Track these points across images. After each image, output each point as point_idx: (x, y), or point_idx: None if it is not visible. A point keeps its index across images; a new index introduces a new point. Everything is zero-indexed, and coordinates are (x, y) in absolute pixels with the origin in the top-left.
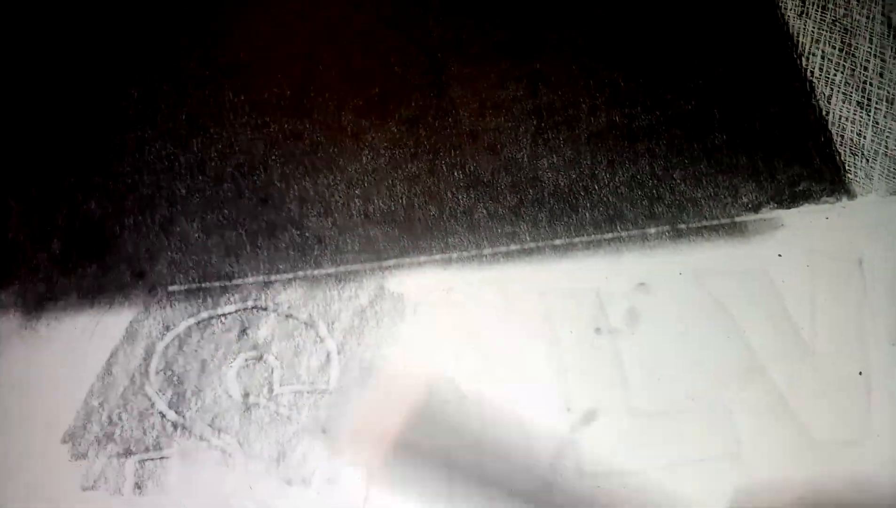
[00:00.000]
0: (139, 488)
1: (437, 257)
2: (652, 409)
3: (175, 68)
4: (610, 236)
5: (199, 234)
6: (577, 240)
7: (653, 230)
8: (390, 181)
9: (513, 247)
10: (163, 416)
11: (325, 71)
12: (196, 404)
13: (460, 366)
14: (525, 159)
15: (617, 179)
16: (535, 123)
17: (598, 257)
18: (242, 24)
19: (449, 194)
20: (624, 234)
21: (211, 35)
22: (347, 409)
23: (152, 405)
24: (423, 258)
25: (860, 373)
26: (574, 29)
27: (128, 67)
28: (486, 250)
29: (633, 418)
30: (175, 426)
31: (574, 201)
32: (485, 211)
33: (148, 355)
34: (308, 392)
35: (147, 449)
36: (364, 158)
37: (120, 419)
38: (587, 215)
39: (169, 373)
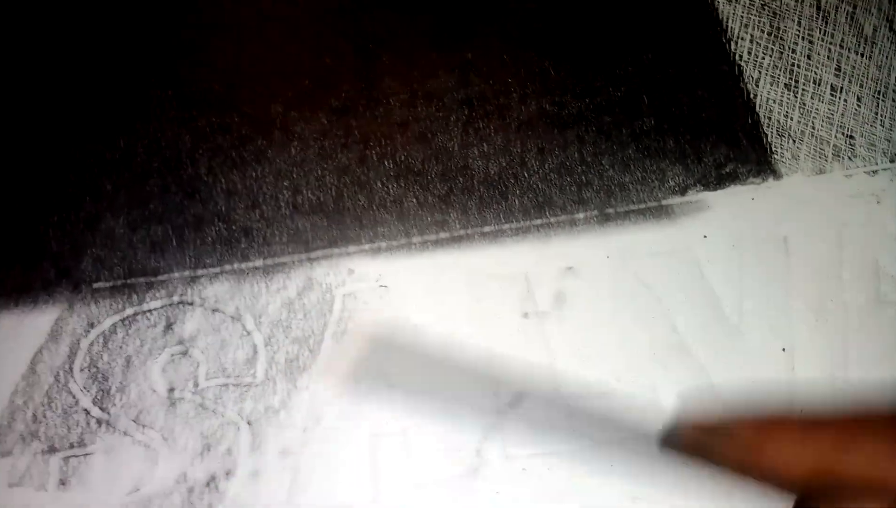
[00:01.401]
0: (63, 484)
1: (367, 246)
2: (578, 391)
3: (100, 64)
4: (539, 222)
5: (125, 230)
6: (506, 227)
7: (581, 215)
8: (319, 172)
9: (442, 235)
10: (87, 413)
11: (253, 64)
12: (121, 400)
13: (389, 354)
14: (455, 148)
15: (546, 166)
16: (466, 112)
17: (526, 243)
18: (168, 19)
19: (379, 184)
20: (553, 220)
21: (136, 31)
22: (274, 400)
23: (77, 402)
24: (352, 248)
25: (783, 350)
26: (505, 18)
27: (51, 63)
28: (416, 239)
29: (560, 399)
30: (99, 422)
31: (504, 189)
32: (415, 200)
33: (72, 352)
34: (234, 385)
35: (72, 446)
36: (293, 150)
37: (45, 416)
38: (516, 201)
39: (94, 370)
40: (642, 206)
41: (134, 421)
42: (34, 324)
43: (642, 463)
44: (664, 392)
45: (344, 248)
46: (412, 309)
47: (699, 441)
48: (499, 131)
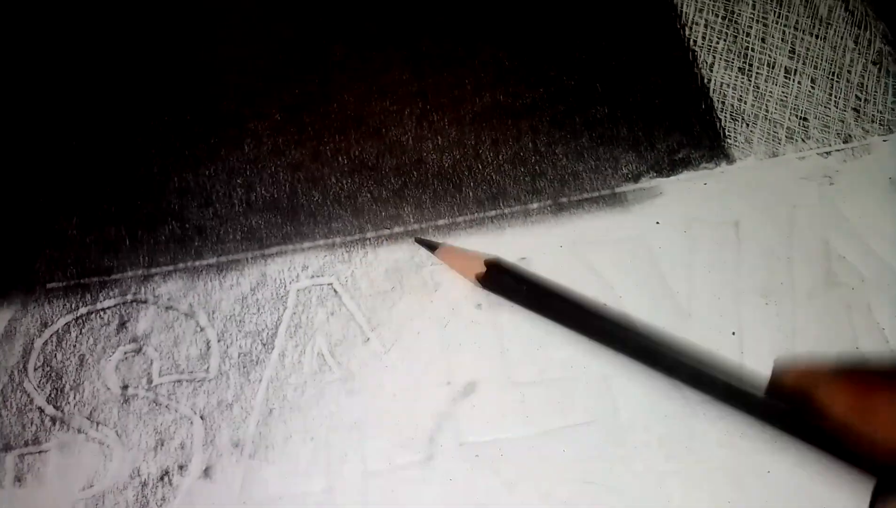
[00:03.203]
0: (19, 481)
1: (321, 242)
2: (531, 379)
3: (52, 66)
4: (493, 213)
5: (78, 230)
6: (460, 219)
7: (535, 205)
8: (273, 169)
9: (396, 229)
10: (41, 411)
11: (206, 61)
12: (74, 398)
13: (344, 345)
14: (410, 142)
15: (500, 158)
16: (420, 105)
17: (480, 235)
18: (120, 19)
19: (333, 180)
20: (507, 211)
21: (88, 34)
22: (227, 394)
23: (31, 400)
24: (306, 244)
25: (733, 333)
26: (458, 9)
27: (10, 70)
28: (370, 234)
29: (513, 388)
30: (54, 420)
31: (458, 181)
32: (369, 195)
33: (26, 352)
34: (187, 381)
35: (27, 444)
36: (246, 147)
37: (0, 415)
38: (471, 193)
39: (48, 369)
40: (596, 194)
41: (88, 419)
42: None
43: (594, 448)
44: (615, 379)
45: (298, 244)
46: (364, 303)
47: (805, 387)
48: (453, 124)
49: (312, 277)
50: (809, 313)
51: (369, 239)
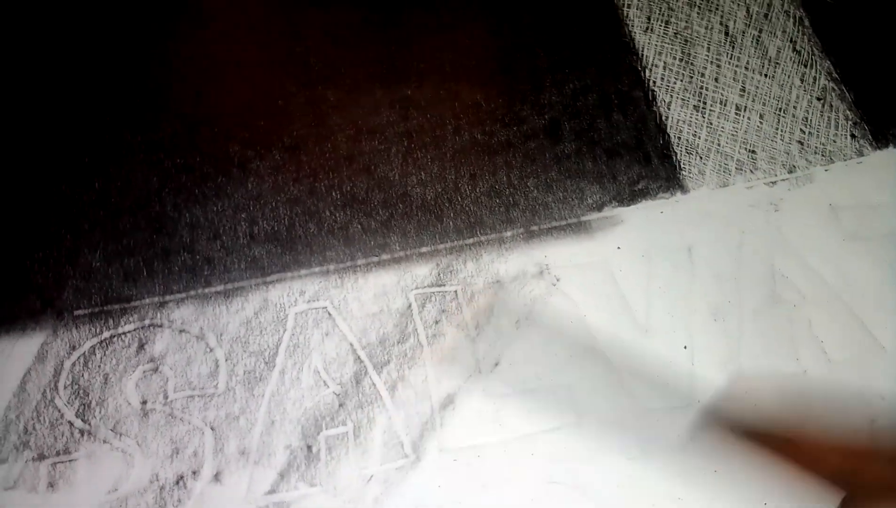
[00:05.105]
0: (52, 486)
1: (316, 269)
2: (503, 391)
3: (75, 114)
4: (471, 240)
5: (101, 263)
6: (441, 246)
7: (509, 233)
8: (274, 204)
9: (384, 256)
10: (71, 424)
11: (213, 107)
12: (100, 412)
13: (338, 364)
14: (396, 177)
15: (478, 190)
16: (405, 144)
17: (460, 261)
18: (135, 69)
19: (327, 213)
20: (483, 238)
21: (107, 83)
22: (234, 408)
23: (62, 415)
24: (303, 271)
25: (685, 347)
26: (441, 56)
27: (31, 113)
28: (360, 261)
29: (487, 399)
30: (82, 432)
31: (439, 212)
32: (359, 226)
33: (57, 372)
34: (199, 396)
35: (58, 453)
36: (250, 185)
37: (34, 428)
38: (451, 223)
39: (76, 387)
40: (563, 222)
41: (112, 430)
42: (23, 349)
43: (561, 451)
44: (579, 389)
45: (296, 271)
46: (355, 324)
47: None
48: (435, 160)
49: (309, 301)
50: (755, 328)
51: (360, 266)
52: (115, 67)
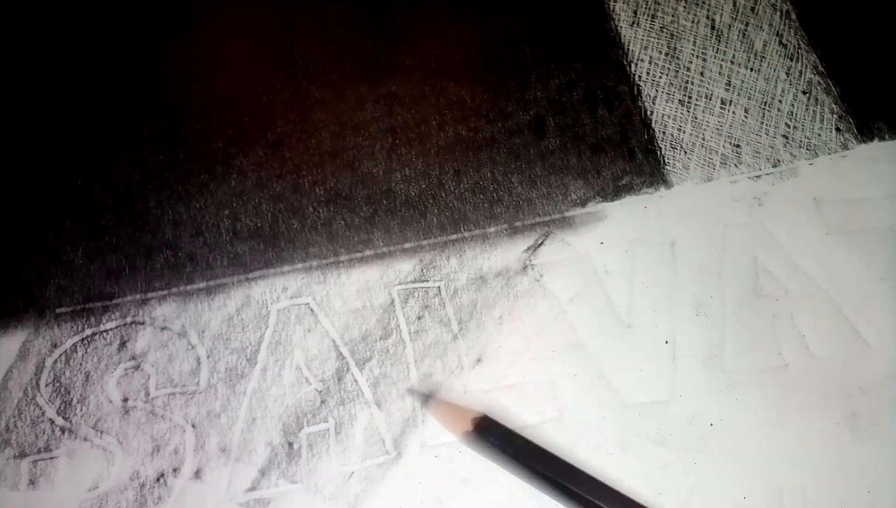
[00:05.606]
0: (33, 483)
1: (299, 265)
2: (484, 387)
3: (57, 110)
4: (455, 236)
5: (83, 260)
6: (424, 243)
7: (492, 229)
8: (257, 201)
9: (367, 252)
10: (52, 422)
11: (196, 103)
12: (81, 410)
13: (320, 361)
14: (380, 174)
15: (462, 187)
16: (389, 140)
17: (443, 257)
18: (118, 66)
19: (310, 209)
20: (467, 234)
21: (90, 77)
22: (216, 405)
23: (43, 413)
24: (286, 268)
25: (666, 342)
26: (427, 53)
27: (11, 110)
28: (343, 257)
29: (468, 395)
30: (63, 430)
31: (423, 208)
32: (343, 222)
33: (38, 370)
34: (180, 394)
35: (39, 451)
36: (233, 182)
37: (15, 426)
38: (435, 219)
39: (57, 385)
40: (547, 218)
41: (93, 428)
42: (4, 346)
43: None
44: (561, 385)
45: (279, 268)
46: (336, 320)
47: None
48: (419, 156)
49: (291, 297)
50: (737, 322)
51: (343, 262)
52: (97, 63)
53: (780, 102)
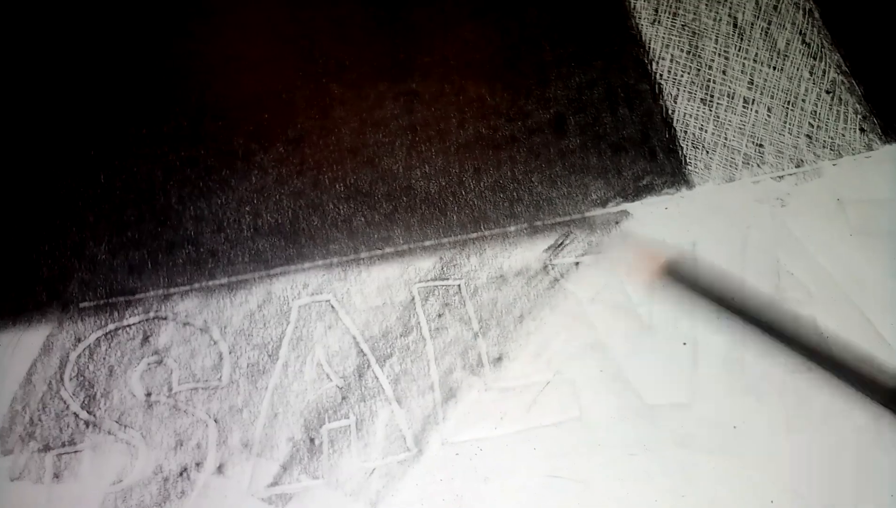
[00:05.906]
0: (57, 477)
1: (320, 262)
2: (505, 385)
3: (81, 108)
4: (475, 235)
5: (106, 255)
6: (445, 240)
7: (512, 228)
8: (277, 197)
9: (387, 250)
10: (76, 416)
11: (218, 101)
12: (105, 404)
13: (341, 357)
14: (400, 170)
15: (482, 185)
16: (409, 137)
17: (463, 255)
18: (141, 63)
19: (331, 205)
20: (487, 233)
21: (113, 76)
22: (238, 400)
23: (67, 406)
24: (307, 264)
25: (684, 344)
26: (446, 51)
27: (36, 107)
28: (364, 254)
29: (488, 393)
30: (87, 423)
31: (443, 206)
32: (363, 219)
33: (62, 364)
34: (202, 389)
35: (63, 444)
36: (253, 178)
37: (40, 420)
38: (455, 217)
39: (81, 379)
40: (567, 218)
41: (117, 422)
42: (29, 341)
43: (562, 446)
44: (581, 384)
45: (300, 264)
46: (358, 317)
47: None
48: (439, 154)
49: (312, 294)
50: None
51: (363, 259)
52: (120, 61)
53: (803, 101)
